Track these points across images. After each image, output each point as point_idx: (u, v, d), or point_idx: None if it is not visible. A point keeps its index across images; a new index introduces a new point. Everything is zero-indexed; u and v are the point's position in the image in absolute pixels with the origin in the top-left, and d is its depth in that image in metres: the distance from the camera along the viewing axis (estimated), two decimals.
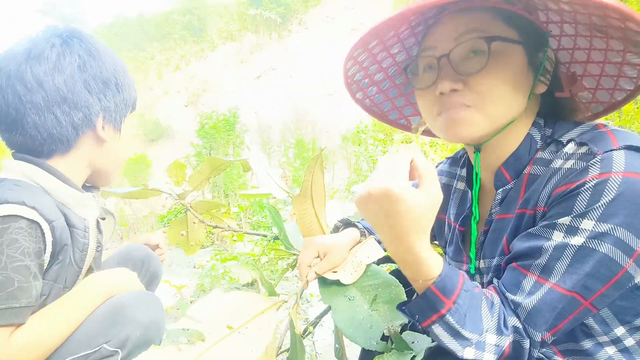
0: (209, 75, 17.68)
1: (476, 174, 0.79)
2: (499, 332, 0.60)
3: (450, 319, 0.58)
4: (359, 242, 0.98)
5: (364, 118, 8.46)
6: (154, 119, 15.46)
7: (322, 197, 0.92)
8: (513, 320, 0.61)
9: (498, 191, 0.74)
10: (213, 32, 21.61)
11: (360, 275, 0.82)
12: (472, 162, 0.80)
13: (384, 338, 0.96)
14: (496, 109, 0.67)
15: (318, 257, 0.87)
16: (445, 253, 0.93)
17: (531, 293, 0.60)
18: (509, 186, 0.72)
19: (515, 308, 0.61)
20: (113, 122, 0.96)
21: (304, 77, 15.50)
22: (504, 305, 0.63)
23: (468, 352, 0.58)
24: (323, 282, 0.82)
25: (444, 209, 0.94)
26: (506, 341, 0.60)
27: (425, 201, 0.55)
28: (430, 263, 0.58)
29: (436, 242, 1.23)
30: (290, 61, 16.90)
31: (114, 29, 27.78)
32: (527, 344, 0.59)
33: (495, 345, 0.59)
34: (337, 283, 0.80)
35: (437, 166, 1.01)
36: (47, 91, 0.85)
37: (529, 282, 0.61)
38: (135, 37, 25.88)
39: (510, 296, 0.62)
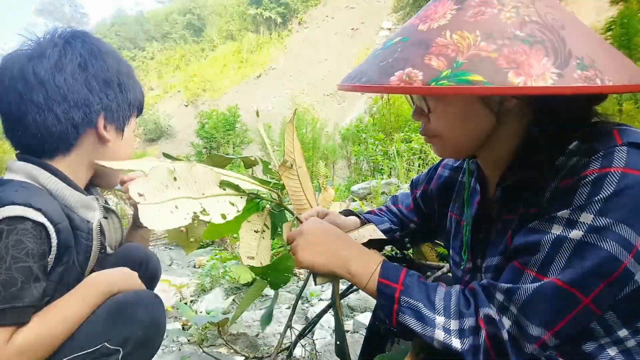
0: (209, 75, 17.68)
1: (469, 174, 0.86)
2: (460, 315, 0.64)
3: (406, 299, 0.67)
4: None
5: (364, 117, 8.45)
6: (154, 119, 15.47)
7: (303, 164, 0.94)
8: (486, 310, 0.62)
9: (498, 188, 0.75)
10: (213, 32, 21.60)
11: None
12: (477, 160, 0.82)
13: (383, 338, 0.97)
14: (455, 139, 0.72)
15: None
16: (448, 247, 0.93)
17: (528, 285, 0.60)
18: (507, 182, 0.73)
19: (508, 298, 0.61)
20: (115, 122, 0.96)
21: (304, 76, 15.50)
22: (477, 296, 0.65)
23: (438, 334, 0.63)
24: None
25: (446, 202, 0.94)
26: (467, 323, 0.62)
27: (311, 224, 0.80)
28: (367, 254, 0.75)
29: (438, 242, 1.24)
30: (290, 61, 16.90)
31: (114, 29, 27.78)
32: (505, 334, 0.60)
33: (458, 330, 0.63)
34: None
35: (443, 160, 1.01)
36: (48, 89, 0.86)
37: (527, 277, 0.61)
38: (135, 37, 25.87)
39: (504, 285, 0.62)
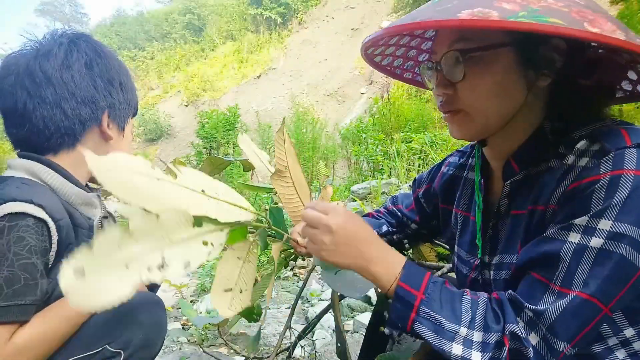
0: (209, 75, 17.67)
1: (480, 164, 0.83)
2: (486, 328, 0.60)
3: (426, 310, 0.62)
4: None
5: (364, 117, 8.45)
6: (154, 119, 15.46)
7: (299, 173, 0.91)
8: (513, 327, 0.60)
9: (506, 183, 0.74)
10: (213, 32, 21.59)
11: None
12: (483, 152, 0.81)
13: (384, 337, 0.97)
14: (485, 112, 0.68)
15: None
16: (452, 245, 0.92)
17: (555, 302, 0.58)
18: (516, 177, 0.72)
19: (537, 317, 0.59)
20: (117, 120, 0.99)
21: (303, 77, 15.49)
22: (504, 310, 0.62)
23: (456, 348, 0.60)
24: None
25: (450, 199, 0.93)
26: (493, 338, 0.60)
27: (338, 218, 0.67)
28: (392, 256, 0.68)
29: (438, 242, 1.24)
30: (290, 61, 16.89)
31: (114, 29, 27.77)
32: (530, 353, 0.58)
33: (482, 342, 0.60)
34: None
35: (446, 158, 1.01)
36: (56, 86, 0.88)
37: (552, 292, 0.59)
38: (135, 37, 25.86)
39: (531, 306, 0.60)
